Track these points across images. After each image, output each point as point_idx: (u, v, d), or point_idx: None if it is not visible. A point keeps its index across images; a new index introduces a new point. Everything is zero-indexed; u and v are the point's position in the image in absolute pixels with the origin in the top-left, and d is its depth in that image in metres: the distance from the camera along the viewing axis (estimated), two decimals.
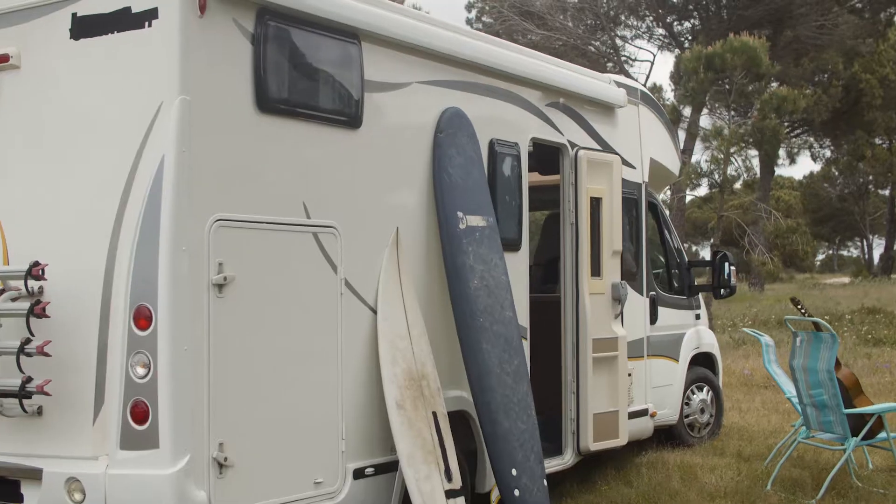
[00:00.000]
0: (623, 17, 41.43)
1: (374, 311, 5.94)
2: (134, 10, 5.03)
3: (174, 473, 4.74)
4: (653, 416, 8.98)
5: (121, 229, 4.96)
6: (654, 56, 63.31)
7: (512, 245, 7.14)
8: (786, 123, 33.64)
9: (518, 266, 7.22)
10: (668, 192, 21.95)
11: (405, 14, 6.34)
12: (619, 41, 40.90)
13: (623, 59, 40.73)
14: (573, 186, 7.86)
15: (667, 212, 10.25)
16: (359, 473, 5.78)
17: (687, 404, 10.03)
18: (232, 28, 5.20)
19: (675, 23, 40.49)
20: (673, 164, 9.87)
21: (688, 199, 28.71)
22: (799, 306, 8.19)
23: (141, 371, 4.81)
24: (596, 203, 8.00)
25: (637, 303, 8.85)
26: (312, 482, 5.50)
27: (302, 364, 5.48)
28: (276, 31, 5.40)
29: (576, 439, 7.80)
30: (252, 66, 5.27)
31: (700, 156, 27.24)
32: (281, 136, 5.43)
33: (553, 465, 7.66)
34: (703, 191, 22.19)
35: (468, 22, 41.52)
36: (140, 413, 4.80)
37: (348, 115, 5.85)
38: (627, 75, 39.71)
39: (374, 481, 5.87)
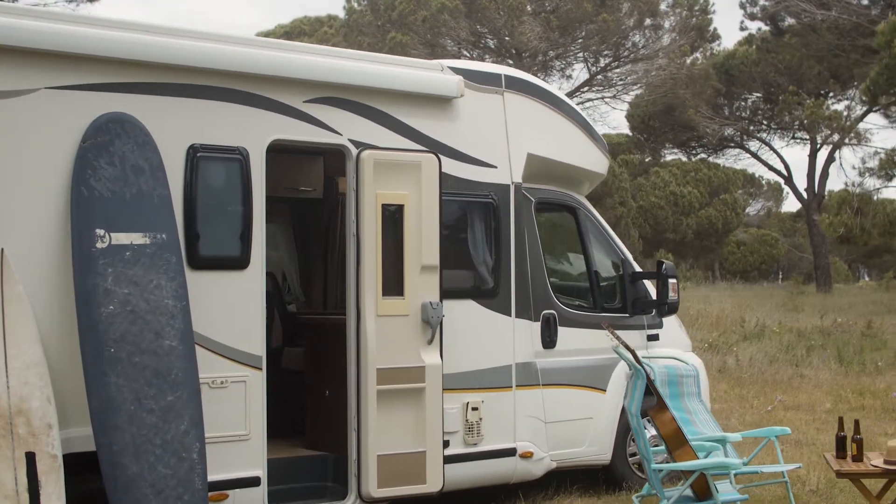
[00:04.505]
0: None
1: None
2: None
3: None
4: (525, 455, 7.66)
5: None
6: None
7: (230, 263, 6.36)
8: None
9: (245, 286, 6.41)
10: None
11: (14, 14, 5.75)
12: None
13: None
14: (355, 192, 6.86)
15: (597, 216, 8.62)
16: None
17: (633, 441, 8.52)
18: None
19: None
20: (584, 159, 8.32)
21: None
22: (608, 333, 6.60)
23: None
24: (396, 211, 6.94)
25: (498, 324, 7.59)
26: None
27: None
28: None
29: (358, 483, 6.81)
30: None
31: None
32: None
33: None
34: None
35: (741, 6, 38.81)
36: None
37: None
38: None
39: None
